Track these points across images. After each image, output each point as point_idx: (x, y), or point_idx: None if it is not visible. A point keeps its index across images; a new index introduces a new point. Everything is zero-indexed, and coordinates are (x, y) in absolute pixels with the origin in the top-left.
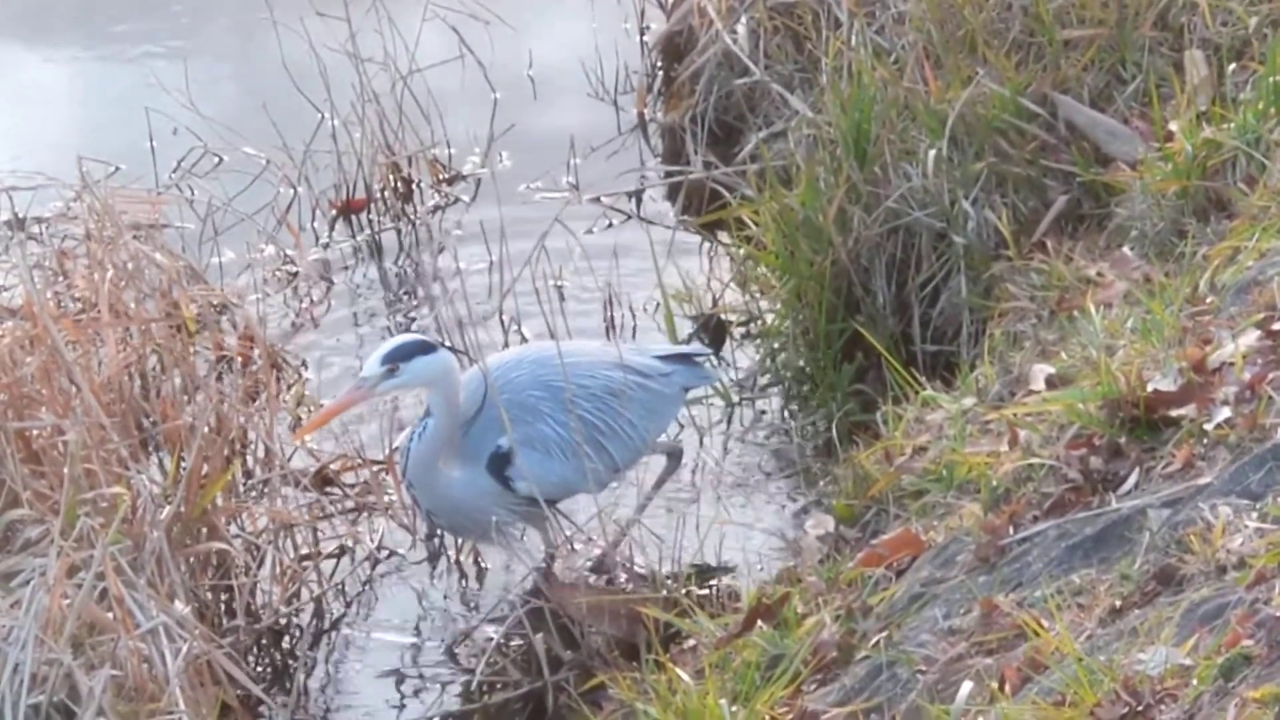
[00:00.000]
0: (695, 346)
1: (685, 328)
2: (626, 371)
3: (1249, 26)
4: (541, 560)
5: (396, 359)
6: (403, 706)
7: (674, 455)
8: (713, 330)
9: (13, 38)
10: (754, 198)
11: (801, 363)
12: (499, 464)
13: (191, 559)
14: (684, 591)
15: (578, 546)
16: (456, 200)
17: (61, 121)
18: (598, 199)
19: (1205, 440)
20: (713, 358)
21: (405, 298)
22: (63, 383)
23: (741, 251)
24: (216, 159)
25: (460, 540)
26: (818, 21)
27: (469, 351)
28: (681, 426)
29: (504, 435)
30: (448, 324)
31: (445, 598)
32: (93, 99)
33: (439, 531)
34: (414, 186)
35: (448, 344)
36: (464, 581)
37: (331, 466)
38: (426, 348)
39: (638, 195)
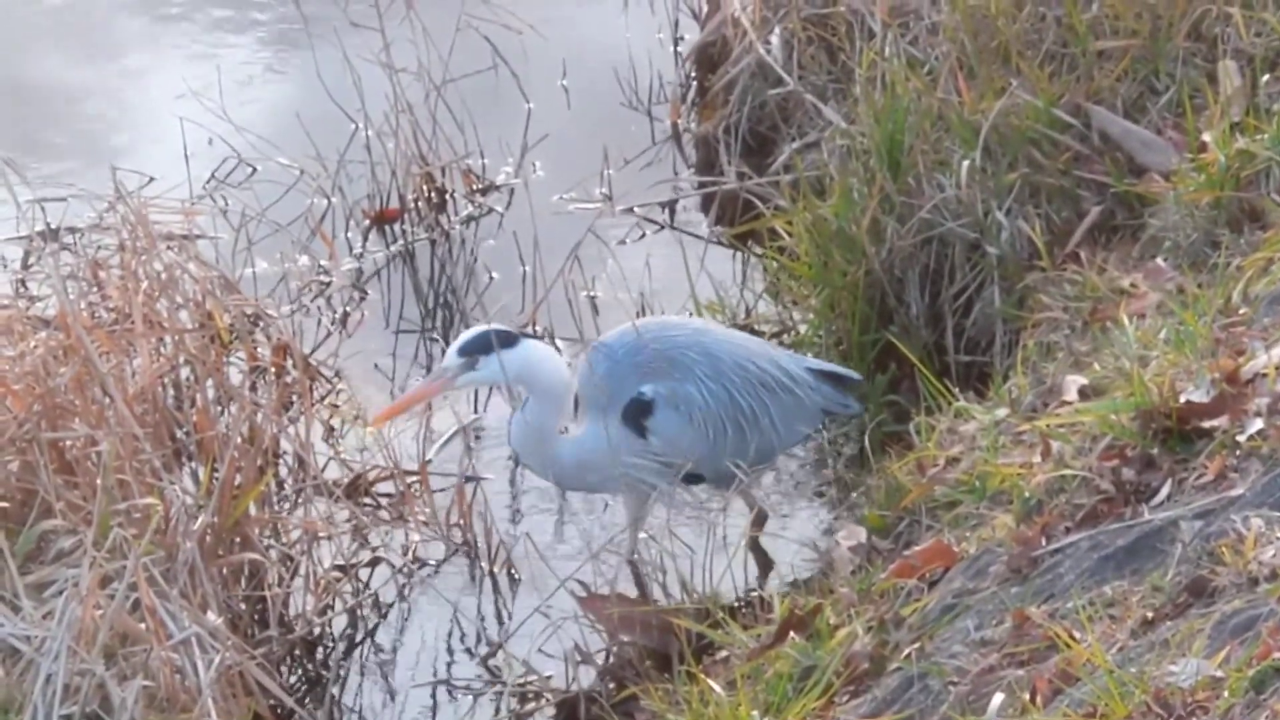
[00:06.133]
0: (848, 371)
1: None
2: (786, 375)
3: None
4: (624, 552)
5: (474, 351)
6: (435, 717)
7: (760, 519)
8: None
9: (48, 48)
10: (787, 208)
11: None
12: (637, 411)
13: (224, 569)
14: (716, 602)
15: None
16: (490, 210)
17: (95, 132)
18: (631, 209)
19: (1238, 452)
20: (861, 385)
21: (438, 308)
22: (96, 393)
23: (775, 262)
24: (250, 169)
25: (493, 551)
26: (851, 32)
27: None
28: None
29: (644, 384)
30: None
31: (478, 609)
32: (127, 109)
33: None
34: (447, 197)
35: (529, 332)
36: (496, 592)
37: (366, 476)
38: (507, 340)
39: (671, 206)
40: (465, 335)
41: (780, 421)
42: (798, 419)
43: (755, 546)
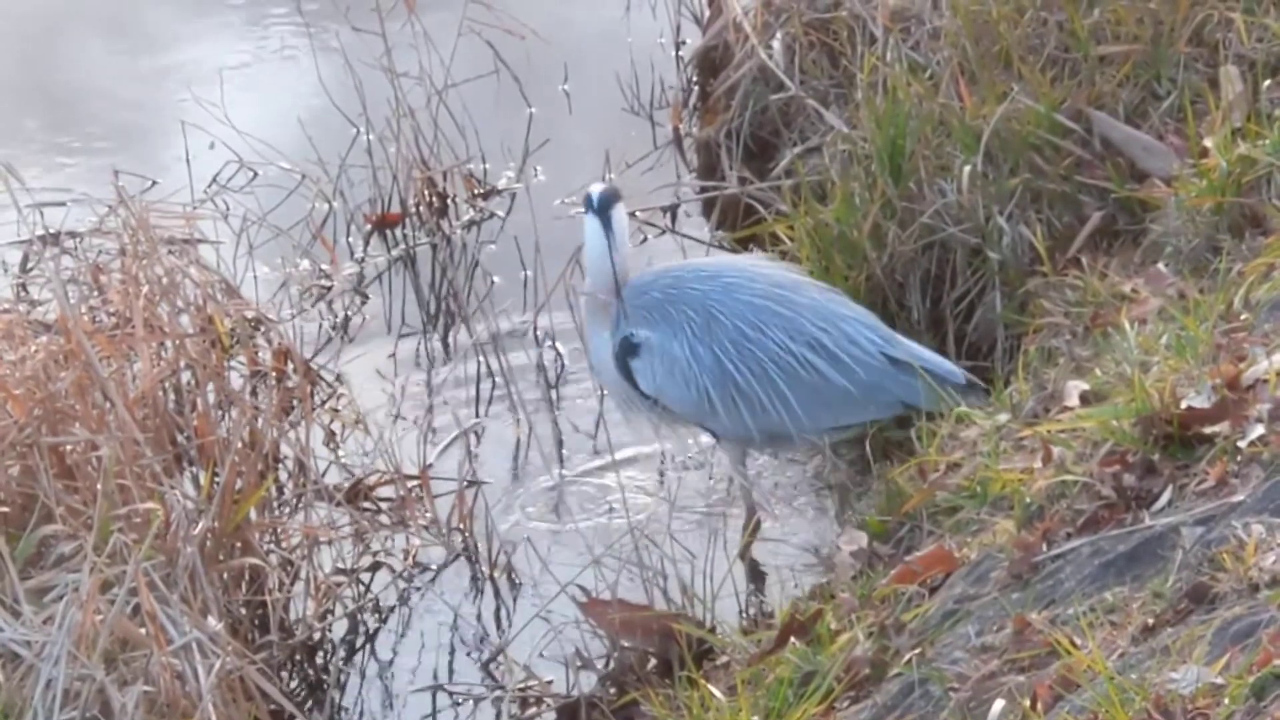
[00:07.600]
0: (953, 371)
1: None
2: (819, 354)
3: None
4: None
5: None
6: None
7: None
8: None
9: (48, 51)
10: (789, 213)
11: None
12: (625, 350)
13: (225, 574)
14: (717, 607)
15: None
16: (491, 215)
17: (96, 136)
18: (632, 214)
19: (1239, 458)
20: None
21: (439, 313)
22: (97, 398)
23: None
24: (252, 173)
25: (494, 555)
26: (853, 37)
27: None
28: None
29: (641, 328)
30: (481, 339)
31: (479, 613)
32: (128, 112)
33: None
34: (449, 201)
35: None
36: (497, 597)
37: (367, 481)
38: (586, 204)
39: (673, 210)
40: (589, 187)
41: (801, 406)
42: (837, 404)
43: (754, 552)
